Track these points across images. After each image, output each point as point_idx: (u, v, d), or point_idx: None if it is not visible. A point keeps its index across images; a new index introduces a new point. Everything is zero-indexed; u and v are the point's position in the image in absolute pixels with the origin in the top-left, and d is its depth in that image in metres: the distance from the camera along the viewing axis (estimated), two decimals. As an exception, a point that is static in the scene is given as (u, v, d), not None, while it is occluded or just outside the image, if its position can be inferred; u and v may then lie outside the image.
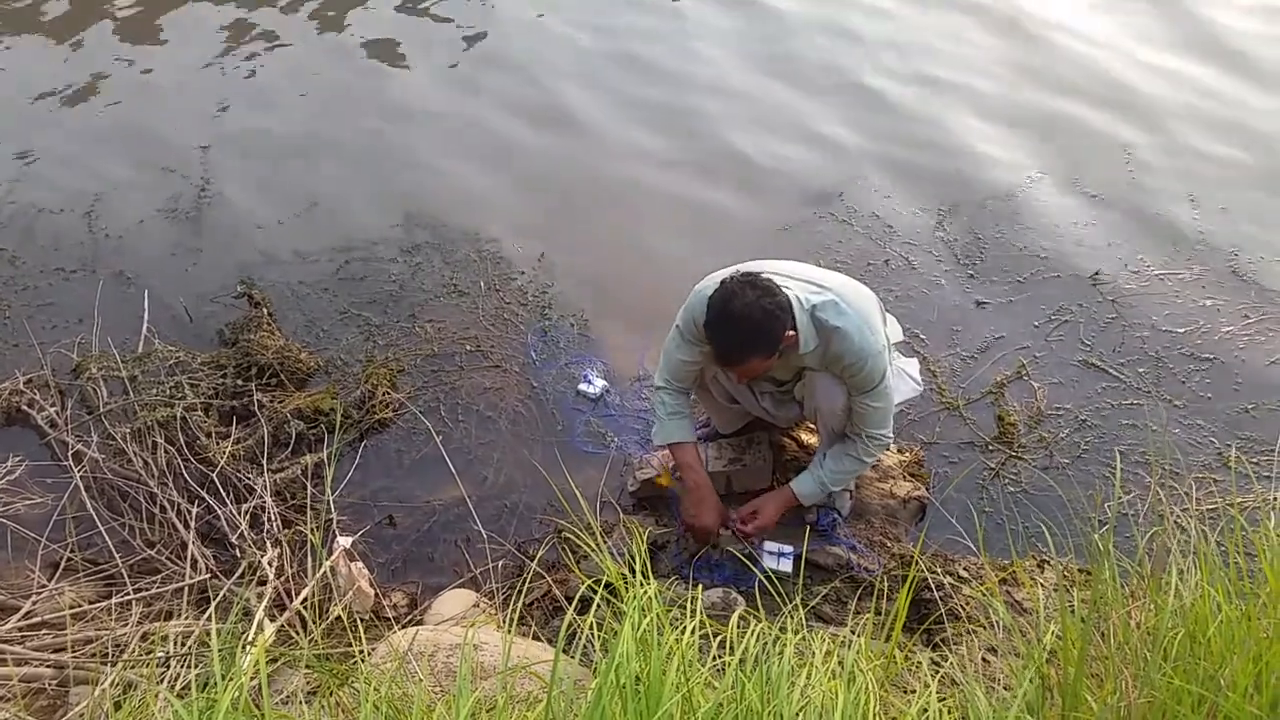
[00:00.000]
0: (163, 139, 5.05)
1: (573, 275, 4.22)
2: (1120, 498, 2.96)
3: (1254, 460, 3.30)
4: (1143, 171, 4.67)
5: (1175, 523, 2.63)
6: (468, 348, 3.87)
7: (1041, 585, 2.73)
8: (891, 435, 2.86)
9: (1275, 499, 3.13)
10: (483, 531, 3.07)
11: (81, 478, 3.13)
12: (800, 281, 2.63)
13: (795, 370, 2.86)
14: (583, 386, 3.71)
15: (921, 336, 3.83)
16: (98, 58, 5.73)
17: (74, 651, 2.35)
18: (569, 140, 5.05)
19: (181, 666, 2.26)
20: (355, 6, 6.19)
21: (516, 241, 4.38)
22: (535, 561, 2.56)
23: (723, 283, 2.55)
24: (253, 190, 4.73)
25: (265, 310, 3.91)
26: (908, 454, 3.35)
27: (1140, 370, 3.68)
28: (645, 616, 1.77)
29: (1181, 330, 3.83)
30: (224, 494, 3.07)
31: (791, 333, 2.55)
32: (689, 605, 2.03)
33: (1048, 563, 2.89)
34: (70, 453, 3.25)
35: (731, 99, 5.32)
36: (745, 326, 2.48)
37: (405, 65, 5.69)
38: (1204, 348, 3.76)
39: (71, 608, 2.52)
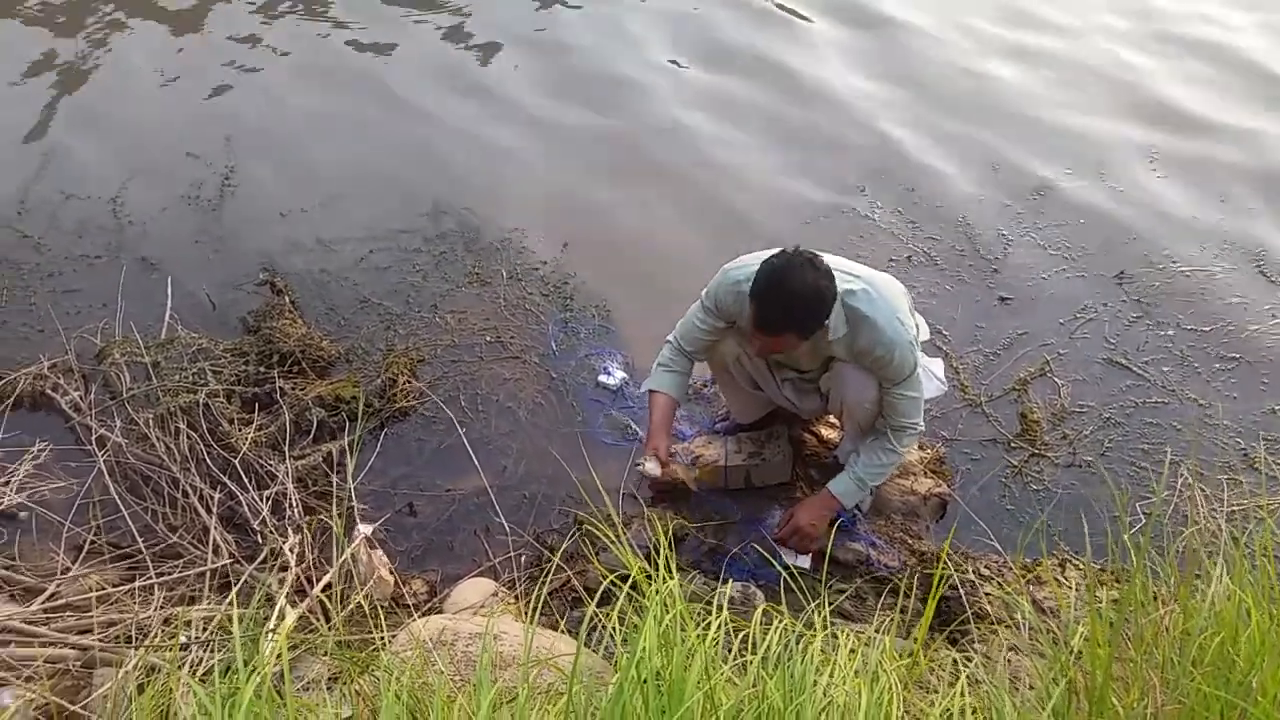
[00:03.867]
0: (188, 127, 5.05)
1: (595, 266, 4.21)
2: (1157, 495, 2.93)
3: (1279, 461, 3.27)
4: (1168, 170, 4.63)
5: (1204, 525, 2.61)
6: (488, 338, 3.87)
7: (1066, 585, 2.71)
8: (923, 426, 2.85)
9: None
10: (504, 522, 3.07)
11: (105, 462, 3.15)
12: (834, 270, 2.62)
13: (821, 360, 2.85)
14: (602, 378, 3.70)
15: (944, 333, 3.80)
16: (123, 44, 5.75)
17: (98, 634, 2.37)
18: (603, 127, 5.04)
19: (204, 651, 2.27)
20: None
21: (541, 231, 4.37)
22: (557, 554, 2.55)
23: (785, 251, 2.54)
24: (277, 178, 4.73)
25: (287, 298, 3.92)
26: (929, 451, 3.32)
27: (1165, 369, 3.65)
28: (667, 612, 1.76)
29: (1207, 329, 3.80)
30: (246, 480, 3.08)
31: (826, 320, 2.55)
32: (711, 600, 2.02)
33: (1071, 562, 2.87)
34: (94, 437, 3.27)
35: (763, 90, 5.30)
36: (796, 302, 2.48)
37: (437, 52, 5.68)
38: (1230, 347, 3.72)
39: (95, 591, 2.54)
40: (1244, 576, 2.04)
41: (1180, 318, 3.84)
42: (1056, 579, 2.74)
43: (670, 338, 3.00)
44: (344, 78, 5.48)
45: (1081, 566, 2.82)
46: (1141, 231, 4.29)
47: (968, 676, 1.87)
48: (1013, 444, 3.39)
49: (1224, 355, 3.69)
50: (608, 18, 6.01)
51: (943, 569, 2.58)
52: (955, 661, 2.08)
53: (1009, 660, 2.31)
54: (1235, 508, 3.05)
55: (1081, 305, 3.92)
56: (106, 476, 3.11)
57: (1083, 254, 4.17)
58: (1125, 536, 2.24)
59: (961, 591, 2.60)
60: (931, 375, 3.00)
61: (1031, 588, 2.72)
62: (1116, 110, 5.12)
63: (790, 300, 2.48)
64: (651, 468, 2.89)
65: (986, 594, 2.62)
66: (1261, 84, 5.34)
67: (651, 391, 2.99)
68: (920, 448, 3.35)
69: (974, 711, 1.78)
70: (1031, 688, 2.11)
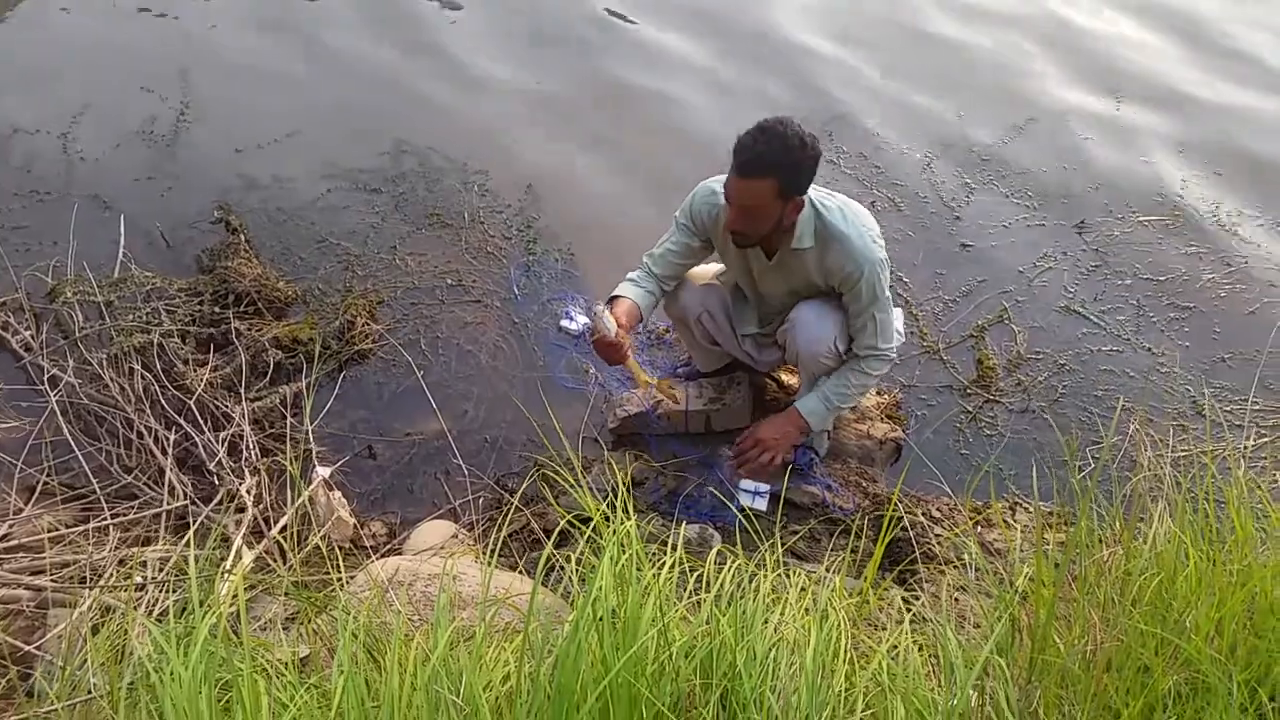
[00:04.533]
0: (142, 60, 4.91)
1: (559, 210, 4.17)
2: (1106, 441, 3.00)
3: (1227, 408, 3.34)
4: (1129, 121, 4.65)
5: (1150, 470, 2.68)
6: (449, 281, 3.83)
7: (1015, 527, 2.78)
8: (895, 353, 2.84)
9: (1246, 447, 3.19)
10: (462, 465, 3.07)
11: (58, 402, 3.10)
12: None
13: (783, 285, 2.82)
14: (564, 323, 3.69)
15: (905, 280, 3.82)
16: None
17: (52, 575, 2.35)
18: (564, 68, 4.96)
19: (160, 592, 2.26)
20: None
21: (504, 173, 4.32)
22: (516, 496, 2.57)
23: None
24: (234, 114, 4.61)
25: (243, 237, 3.85)
26: (885, 396, 3.36)
27: (1120, 318, 3.70)
28: (624, 552, 1.78)
29: (1163, 278, 3.85)
30: (201, 422, 3.05)
31: (802, 199, 2.52)
32: (668, 541, 2.05)
33: (1021, 505, 2.93)
34: (46, 377, 3.21)
35: (731, 41, 5.23)
36: (777, 143, 2.41)
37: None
38: (1184, 296, 3.78)
39: (49, 531, 2.52)
40: (1185, 519, 2.11)
41: (1138, 267, 3.89)
42: (1006, 521, 2.81)
43: (643, 258, 2.89)
44: (307, 14, 5.33)
45: (1030, 509, 2.89)
46: (1102, 181, 4.32)
47: (915, 615, 1.92)
48: (968, 390, 3.44)
49: (1179, 304, 3.75)
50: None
51: (894, 511, 2.64)
52: (904, 600, 2.13)
53: (956, 600, 2.37)
54: (1182, 454, 3.13)
55: (1041, 253, 3.96)
56: (59, 416, 3.06)
57: (1044, 203, 4.20)
58: (1073, 480, 2.29)
59: (912, 534, 2.65)
60: None
61: (981, 530, 2.78)
62: (1079, 66, 5.11)
63: (773, 136, 2.41)
64: (607, 321, 2.57)
65: (937, 536, 2.68)
66: (1219, 49, 5.36)
67: (613, 297, 2.80)
68: (877, 393, 3.39)
69: (920, 648, 1.83)
70: (977, 625, 2.17)
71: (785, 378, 3.38)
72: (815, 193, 2.59)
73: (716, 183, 2.67)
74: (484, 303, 3.77)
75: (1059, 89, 4.94)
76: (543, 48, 5.13)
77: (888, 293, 2.71)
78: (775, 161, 2.42)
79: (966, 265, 3.90)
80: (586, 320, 3.69)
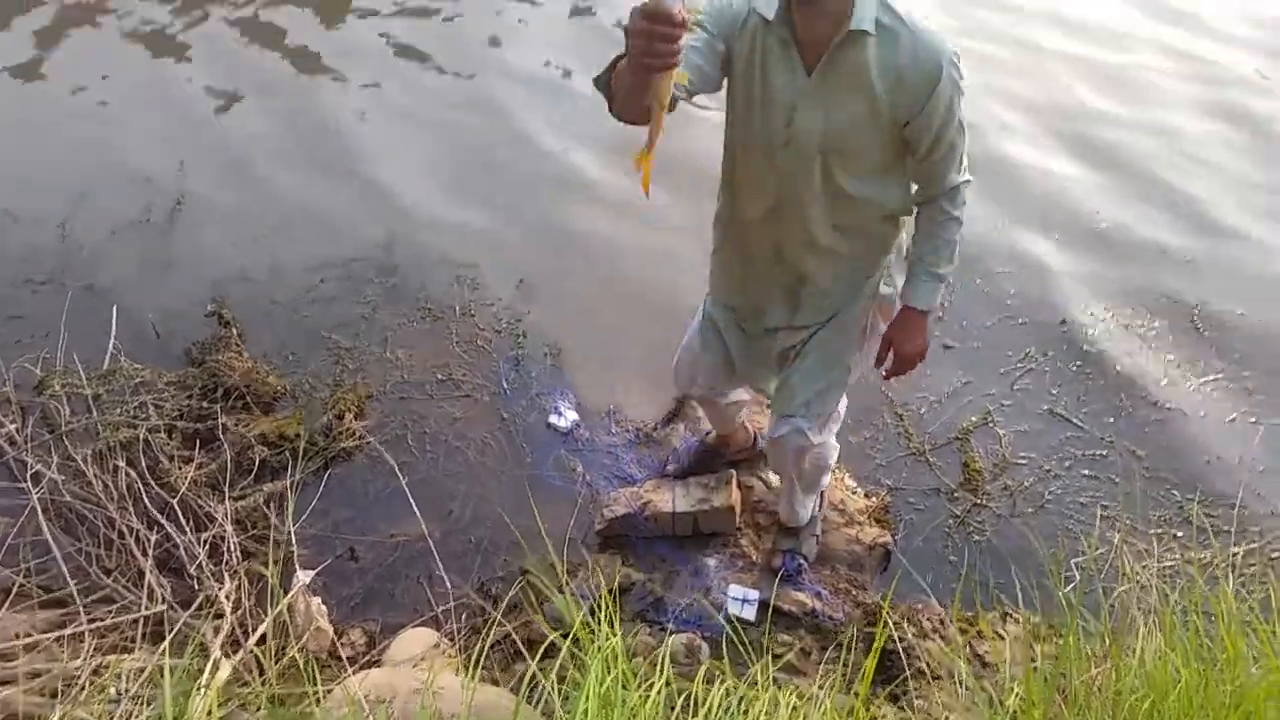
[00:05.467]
0: (141, 150, 4.99)
1: (549, 303, 4.20)
2: (1090, 553, 2.99)
3: (1214, 515, 3.35)
4: (1112, 221, 4.75)
5: (1137, 581, 2.67)
6: (438, 375, 3.85)
7: (1006, 638, 2.75)
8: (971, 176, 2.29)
9: (1233, 555, 3.18)
10: (444, 575, 3.02)
11: (39, 499, 3.06)
12: None
13: (825, 112, 2.08)
14: (553, 419, 3.70)
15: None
16: (75, 64, 5.67)
17: (23, 685, 2.30)
18: (557, 167, 5.04)
19: (135, 704, 2.21)
20: (340, 20, 6.18)
21: (496, 266, 4.37)
22: (500, 606, 2.54)
23: None
24: (230, 204, 4.68)
25: (235, 330, 3.87)
26: (874, 499, 3.36)
27: (1104, 421, 3.73)
28: (609, 671, 1.76)
29: (1145, 382, 3.89)
30: (184, 521, 3.02)
31: None
32: (655, 655, 2.02)
33: (1011, 616, 2.91)
34: (30, 473, 3.19)
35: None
36: None
37: (395, 84, 5.67)
38: (1167, 400, 3.81)
39: (22, 639, 2.47)
40: (1174, 634, 2.10)
41: (1119, 369, 3.93)
42: (997, 632, 2.78)
43: None
44: (301, 106, 5.44)
45: (1019, 618, 2.87)
46: (1083, 282, 4.38)
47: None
48: (955, 494, 3.44)
49: (1161, 406, 3.78)
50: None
51: (884, 625, 2.61)
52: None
53: (948, 719, 2.34)
54: (1170, 563, 3.12)
55: (1023, 354, 4.00)
56: (40, 515, 3.02)
57: (1025, 303, 4.26)
58: (1058, 595, 2.28)
59: (900, 646, 2.63)
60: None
61: (972, 641, 2.76)
62: (1070, 153, 5.23)
63: None
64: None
65: (927, 649, 2.65)
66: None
67: None
68: (866, 495, 3.39)
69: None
70: (967, 749, 2.14)
71: (771, 478, 3.38)
72: None
73: None
74: (473, 397, 3.78)
75: (1039, 189, 5.04)
76: (536, 148, 5.22)
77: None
78: None
79: (950, 366, 3.94)
80: (575, 416, 3.70)
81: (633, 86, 1.70)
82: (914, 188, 2.32)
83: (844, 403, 2.72)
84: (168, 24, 6.09)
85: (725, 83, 2.17)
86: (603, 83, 1.89)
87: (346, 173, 4.93)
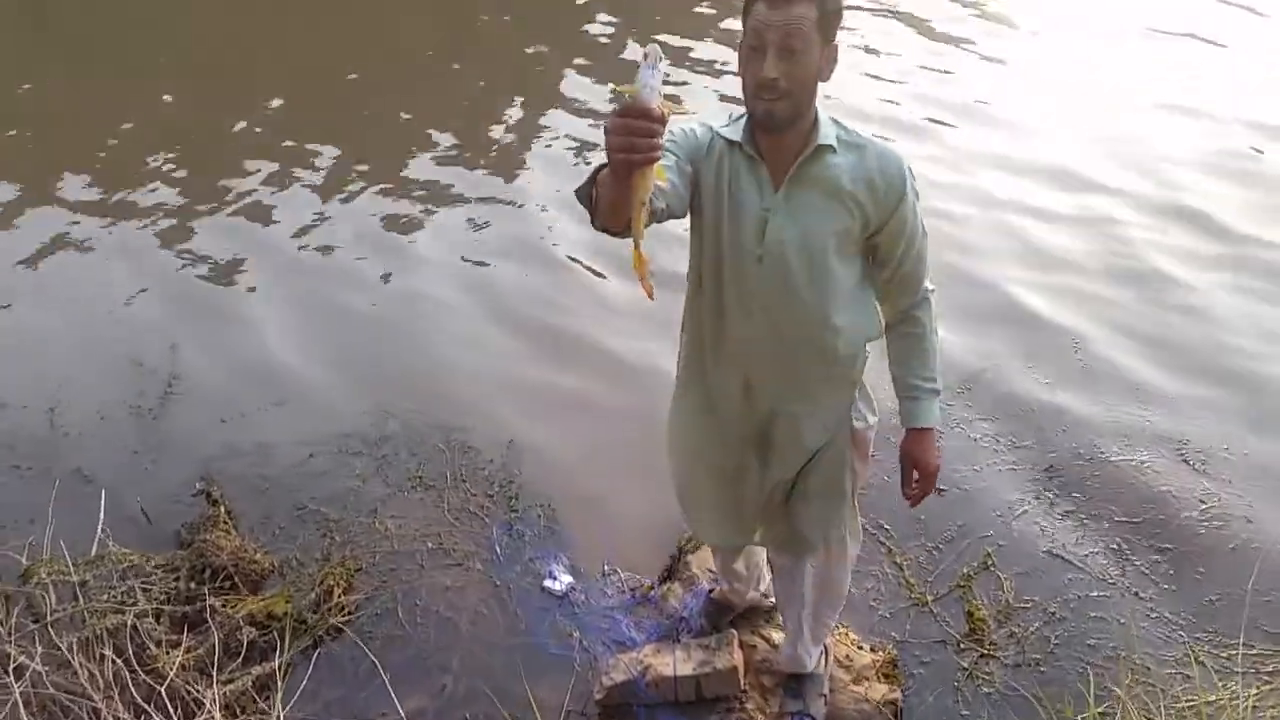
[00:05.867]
0: (133, 333, 5.09)
1: (541, 464, 4.21)
2: (1090, 711, 2.90)
3: (1223, 655, 3.28)
4: (1093, 361, 4.83)
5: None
6: (429, 544, 3.81)
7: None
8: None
9: (1249, 695, 3.10)
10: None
11: (22, 693, 2.96)
12: None
13: (798, 223, 2.13)
14: (548, 583, 3.64)
15: (886, 527, 3.83)
16: (68, 251, 5.85)
17: None
18: (553, 331, 5.15)
19: None
20: (337, 200, 6.42)
21: (486, 429, 4.39)
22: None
23: None
24: (220, 383, 4.73)
25: (223, 508, 3.85)
26: (881, 654, 3.29)
27: (1103, 561, 3.70)
28: None
29: (1139, 520, 3.88)
30: (171, 709, 2.92)
31: (835, 49, 2.03)
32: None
33: (1028, 772, 2.80)
34: (13, 666, 3.09)
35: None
36: None
37: (388, 257, 5.84)
38: (1163, 537, 3.80)
39: None
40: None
41: (1112, 508, 3.93)
42: (1015, 791, 2.68)
43: None
44: (295, 281, 5.60)
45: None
46: (1068, 422, 4.43)
47: None
48: (962, 644, 3.37)
49: (1159, 546, 3.76)
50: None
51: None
52: None
53: None
54: (1187, 704, 3.04)
55: (1016, 497, 4.00)
56: (21, 709, 2.92)
57: (1013, 445, 4.29)
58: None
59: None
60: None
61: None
62: (1049, 296, 5.36)
63: None
64: (653, 76, 1.59)
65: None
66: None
67: None
68: (872, 650, 3.32)
69: None
70: None
71: (774, 635, 3.31)
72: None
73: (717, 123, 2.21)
74: (465, 565, 3.74)
75: (1022, 332, 5.15)
76: (525, 310, 5.35)
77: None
78: None
79: (945, 511, 3.92)
80: (570, 579, 3.65)
81: (615, 189, 1.72)
82: (880, 312, 2.38)
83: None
84: (166, 203, 6.32)
85: (690, 217, 2.21)
86: (584, 194, 1.91)
87: (338, 347, 5.01)
